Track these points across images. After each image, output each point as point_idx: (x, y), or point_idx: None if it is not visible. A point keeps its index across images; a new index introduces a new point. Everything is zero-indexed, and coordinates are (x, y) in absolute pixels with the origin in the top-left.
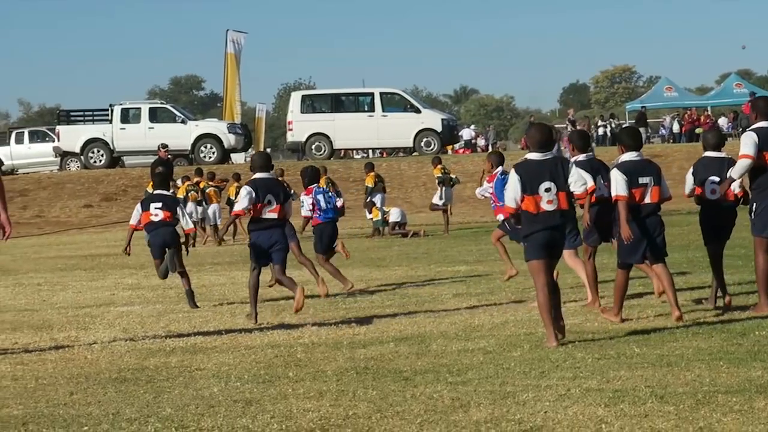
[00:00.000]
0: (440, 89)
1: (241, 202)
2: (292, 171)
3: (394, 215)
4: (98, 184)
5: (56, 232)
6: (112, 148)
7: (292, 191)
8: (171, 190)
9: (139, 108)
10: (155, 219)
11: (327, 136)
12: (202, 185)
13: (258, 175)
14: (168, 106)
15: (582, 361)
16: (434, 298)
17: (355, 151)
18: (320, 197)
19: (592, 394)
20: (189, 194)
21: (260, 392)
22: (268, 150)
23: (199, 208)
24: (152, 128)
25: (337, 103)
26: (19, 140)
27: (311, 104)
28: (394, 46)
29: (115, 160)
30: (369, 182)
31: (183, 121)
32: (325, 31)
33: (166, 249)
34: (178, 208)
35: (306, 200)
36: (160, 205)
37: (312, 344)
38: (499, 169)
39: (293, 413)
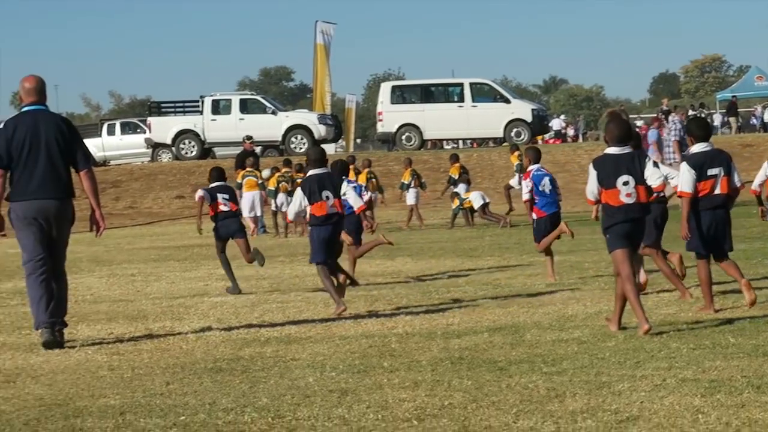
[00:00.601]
0: (529, 79)
1: (291, 208)
2: (383, 162)
3: (476, 201)
4: (190, 175)
5: (149, 223)
6: (203, 139)
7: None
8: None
9: (230, 99)
10: (224, 209)
11: (417, 127)
12: (292, 176)
13: (312, 171)
14: (258, 97)
15: (677, 351)
16: (527, 288)
17: (445, 142)
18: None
19: (688, 384)
20: (280, 185)
21: (355, 382)
22: (358, 141)
23: (290, 199)
24: (243, 119)
25: (427, 94)
26: (111, 132)
27: (401, 95)
28: (483, 37)
29: (206, 151)
30: (453, 173)
31: (273, 112)
32: (414, 21)
33: (230, 237)
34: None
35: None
36: (227, 196)
37: (406, 334)
38: (536, 166)
39: (389, 403)
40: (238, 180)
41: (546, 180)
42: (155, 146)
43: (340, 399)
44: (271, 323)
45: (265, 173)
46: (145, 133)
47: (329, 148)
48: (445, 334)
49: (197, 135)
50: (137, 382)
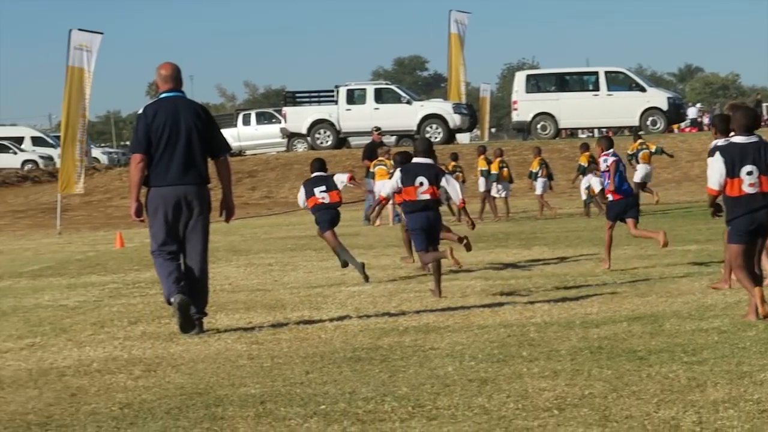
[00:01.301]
0: (664, 68)
1: (388, 186)
2: (518, 151)
3: (596, 186)
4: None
5: (285, 213)
6: (337, 128)
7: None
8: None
9: (365, 89)
10: (324, 201)
11: (552, 116)
12: None
13: (415, 159)
14: (393, 87)
15: None
16: (665, 278)
17: (579, 131)
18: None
19: None
20: None
21: (495, 371)
22: (493, 130)
23: None
24: (377, 109)
25: (562, 83)
26: (247, 122)
27: (536, 84)
28: (618, 25)
29: (341, 140)
30: (583, 161)
31: (408, 102)
32: (548, 10)
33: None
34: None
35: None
36: (324, 188)
37: (544, 323)
38: (609, 152)
39: (529, 392)
40: (371, 169)
41: (621, 167)
42: (290, 136)
43: (480, 388)
44: (410, 312)
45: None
46: (280, 123)
47: (464, 138)
48: (583, 324)
49: (332, 125)
50: (277, 371)
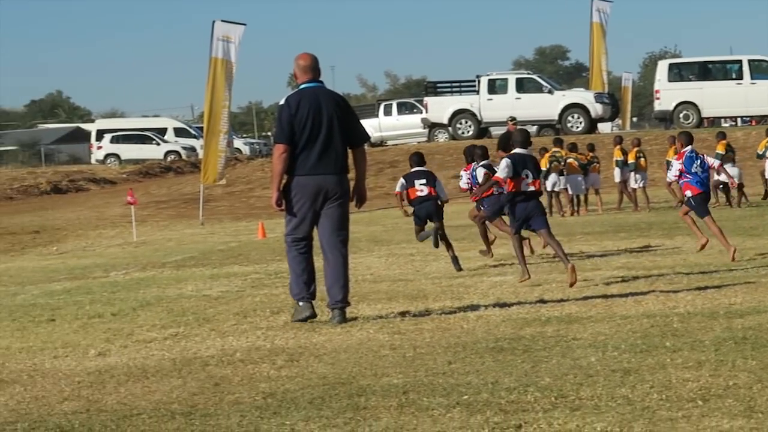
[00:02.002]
0: None
1: (500, 171)
2: (660, 140)
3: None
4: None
5: None
6: (479, 118)
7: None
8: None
9: (506, 79)
10: (421, 194)
11: (695, 105)
12: (564, 156)
13: (517, 150)
14: (534, 77)
15: None
16: None
17: (722, 120)
18: (476, 173)
19: None
20: (552, 165)
21: (638, 362)
22: (634, 119)
23: (562, 179)
24: (519, 98)
25: (705, 71)
26: (388, 112)
27: (678, 72)
28: (762, 12)
29: (482, 130)
30: (720, 150)
31: (550, 91)
32: None
33: (429, 220)
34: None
35: (464, 175)
36: (424, 181)
37: (688, 314)
38: (688, 147)
39: (672, 383)
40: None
41: (698, 162)
42: (432, 126)
43: (623, 379)
44: (552, 303)
45: None
46: (421, 113)
47: (605, 127)
48: (727, 314)
49: (473, 115)
50: (419, 361)
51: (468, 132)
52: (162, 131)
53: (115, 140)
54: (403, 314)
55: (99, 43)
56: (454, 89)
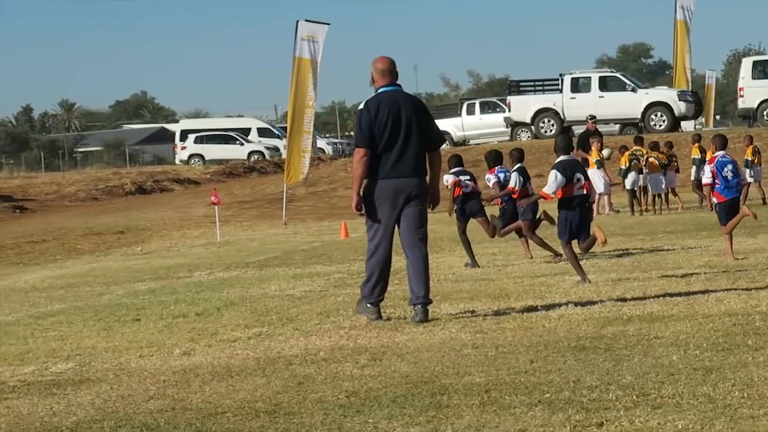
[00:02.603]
0: None
1: (550, 186)
2: (742, 138)
3: None
4: (549, 154)
5: None
6: (562, 117)
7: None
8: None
9: (589, 77)
10: (466, 191)
11: None
12: (645, 154)
13: (562, 157)
14: (618, 75)
15: None
16: None
17: None
18: (501, 176)
19: None
20: (632, 163)
21: (719, 360)
22: (718, 117)
23: (641, 177)
24: (602, 97)
25: None
26: (470, 111)
27: (762, 70)
28: None
29: (565, 129)
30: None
31: (633, 90)
32: None
33: (472, 216)
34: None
35: (492, 177)
36: (468, 177)
37: None
38: (720, 152)
39: (754, 381)
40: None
41: (729, 166)
42: (514, 125)
43: (705, 377)
44: (633, 301)
45: (605, 152)
46: (504, 112)
47: (688, 125)
48: None
49: (556, 113)
50: (501, 360)
51: (551, 131)
52: (246, 131)
53: (199, 141)
54: (485, 314)
55: (184, 44)
56: (537, 88)
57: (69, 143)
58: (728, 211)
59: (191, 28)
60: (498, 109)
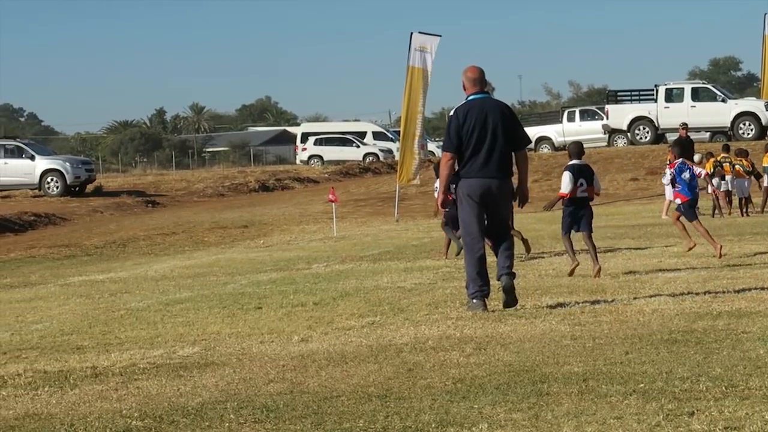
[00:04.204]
0: None
1: (565, 186)
2: None
3: None
4: (643, 159)
5: (604, 204)
6: (656, 125)
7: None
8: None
9: (682, 88)
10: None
11: None
12: (731, 161)
13: (574, 161)
14: (709, 86)
15: None
16: None
17: None
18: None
19: None
20: (716, 169)
21: None
22: None
23: (723, 183)
24: (694, 107)
25: None
26: (571, 118)
27: None
28: None
29: (659, 136)
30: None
31: (723, 100)
32: None
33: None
34: None
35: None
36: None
37: None
38: (679, 160)
39: None
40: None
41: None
42: (612, 132)
43: None
44: (723, 298)
45: (696, 158)
46: (602, 119)
47: None
48: None
49: (651, 121)
50: (598, 351)
51: (645, 138)
52: (362, 135)
53: (318, 143)
54: (582, 307)
55: (305, 52)
56: (633, 97)
57: (198, 143)
58: (690, 206)
59: (313, 37)
60: (596, 117)
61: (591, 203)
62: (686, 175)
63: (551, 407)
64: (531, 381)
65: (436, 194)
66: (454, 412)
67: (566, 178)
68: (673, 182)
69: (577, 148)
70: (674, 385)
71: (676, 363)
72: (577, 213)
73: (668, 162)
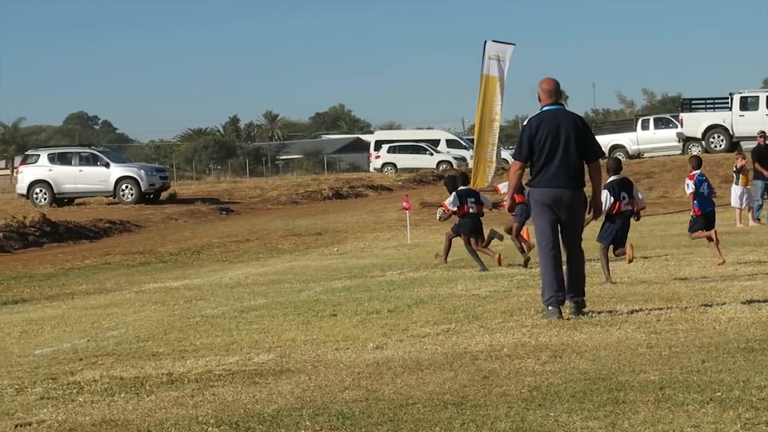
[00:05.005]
0: None
1: (605, 203)
2: None
3: None
4: (718, 167)
5: (679, 212)
6: (731, 133)
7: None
8: None
9: (757, 96)
10: (472, 211)
11: None
12: None
13: (612, 177)
14: None
15: None
16: None
17: None
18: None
19: None
20: None
21: None
22: None
23: None
24: None
25: None
26: (645, 126)
27: None
28: None
29: (734, 144)
30: None
31: None
32: None
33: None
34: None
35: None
36: (473, 199)
37: None
38: (697, 172)
39: None
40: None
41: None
42: (686, 140)
43: None
44: None
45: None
46: (676, 127)
47: None
48: None
49: (726, 129)
50: (674, 359)
51: (720, 146)
52: (435, 142)
53: (391, 150)
54: (658, 315)
55: (378, 61)
56: (708, 105)
57: (272, 151)
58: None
59: (386, 45)
60: (671, 125)
61: (641, 216)
62: (704, 188)
63: (628, 415)
64: (607, 389)
65: (437, 212)
66: (530, 420)
67: (604, 197)
68: (694, 194)
69: (615, 164)
70: (751, 394)
71: (753, 372)
72: (621, 228)
73: (735, 169)
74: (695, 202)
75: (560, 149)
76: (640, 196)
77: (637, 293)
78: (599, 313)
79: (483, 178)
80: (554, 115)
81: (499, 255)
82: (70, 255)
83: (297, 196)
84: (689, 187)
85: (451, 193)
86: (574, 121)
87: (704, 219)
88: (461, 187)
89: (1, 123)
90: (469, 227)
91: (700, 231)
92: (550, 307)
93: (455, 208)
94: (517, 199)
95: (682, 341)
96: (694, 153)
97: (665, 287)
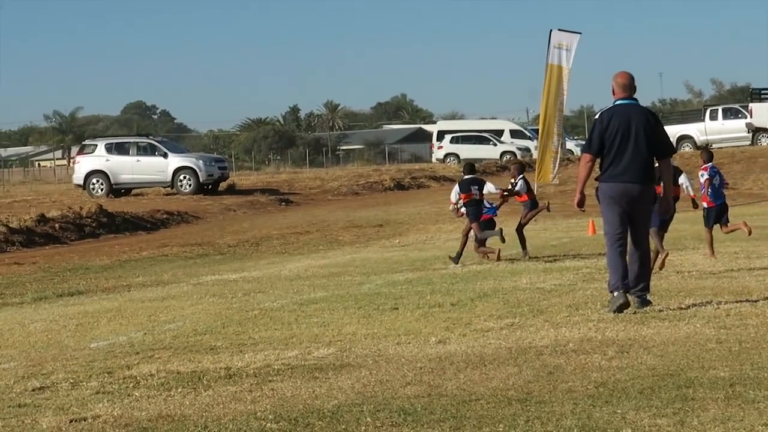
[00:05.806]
0: None
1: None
2: None
3: None
4: None
5: (749, 204)
6: None
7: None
8: None
9: None
10: (476, 197)
11: None
12: None
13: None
14: None
15: None
16: None
17: None
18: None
19: None
20: None
21: None
22: None
23: None
24: None
25: None
26: (713, 117)
27: None
28: None
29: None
30: None
31: None
32: None
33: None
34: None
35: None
36: (477, 187)
37: None
38: (710, 163)
39: None
40: None
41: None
42: (756, 131)
43: None
44: None
45: None
46: (745, 118)
47: None
48: None
49: None
50: (745, 355)
51: None
52: (499, 133)
53: (454, 141)
54: (728, 309)
55: (441, 49)
56: None
57: (332, 141)
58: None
59: (449, 34)
60: (740, 115)
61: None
62: (716, 180)
63: (697, 413)
64: (675, 386)
65: (450, 208)
66: (597, 417)
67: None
68: (707, 185)
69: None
70: None
71: None
72: (719, 210)
73: None
74: (709, 192)
75: (630, 144)
76: (686, 184)
77: (705, 287)
78: (667, 307)
79: (548, 169)
80: (626, 109)
81: (499, 251)
82: (126, 246)
83: (358, 187)
84: (703, 176)
85: (516, 183)
86: (646, 116)
87: (716, 211)
88: (465, 177)
89: (59, 113)
90: (477, 214)
91: (731, 224)
92: (615, 293)
93: (456, 198)
94: (518, 199)
95: (753, 336)
96: (764, 144)
97: (735, 281)
